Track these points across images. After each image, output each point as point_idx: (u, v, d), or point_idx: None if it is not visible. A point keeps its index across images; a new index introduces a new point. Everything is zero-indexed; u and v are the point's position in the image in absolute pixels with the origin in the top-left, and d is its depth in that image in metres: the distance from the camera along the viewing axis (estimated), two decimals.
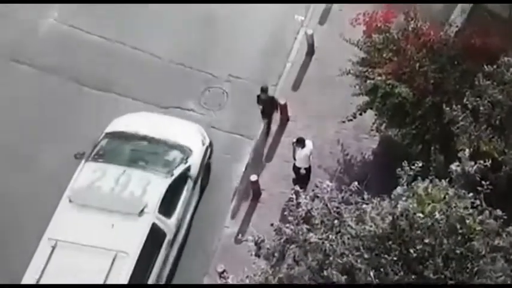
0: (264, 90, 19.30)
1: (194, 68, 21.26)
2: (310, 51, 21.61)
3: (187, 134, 19.21)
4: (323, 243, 13.72)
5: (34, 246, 17.21)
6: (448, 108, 16.27)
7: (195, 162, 18.82)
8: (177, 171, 18.29)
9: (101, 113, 20.11)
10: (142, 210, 17.31)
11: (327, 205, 14.38)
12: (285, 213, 14.57)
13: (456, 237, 12.99)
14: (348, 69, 17.98)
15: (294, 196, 14.59)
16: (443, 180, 13.74)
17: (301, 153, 18.67)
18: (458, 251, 12.90)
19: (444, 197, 13.39)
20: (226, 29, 21.73)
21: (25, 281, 16.71)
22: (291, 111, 20.63)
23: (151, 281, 17.36)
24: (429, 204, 13.26)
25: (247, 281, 13.84)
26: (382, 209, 13.67)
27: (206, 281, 18.61)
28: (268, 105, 19.49)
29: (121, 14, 22.22)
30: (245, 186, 19.79)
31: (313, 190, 14.67)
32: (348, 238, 13.67)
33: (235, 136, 20.53)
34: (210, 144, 19.58)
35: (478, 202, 13.40)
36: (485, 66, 16.24)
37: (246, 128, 20.66)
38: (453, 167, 13.96)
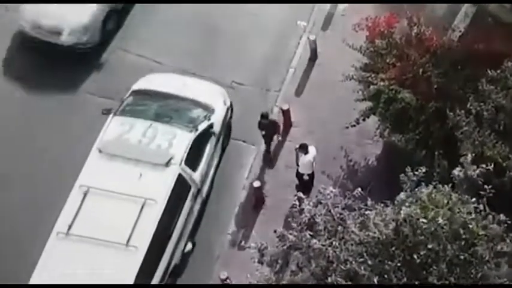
0: (264, 116, 19.23)
1: (197, 74, 21.25)
2: (313, 56, 21.62)
3: (210, 94, 20.01)
4: (326, 249, 13.74)
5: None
6: (451, 114, 16.26)
7: (217, 120, 19.58)
8: (200, 127, 19.03)
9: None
10: (168, 162, 18.03)
11: (330, 211, 14.41)
12: (288, 219, 14.60)
13: (460, 242, 12.98)
14: (351, 75, 17.97)
15: (297, 202, 14.61)
16: (446, 186, 13.74)
17: (305, 159, 18.65)
18: (462, 257, 12.90)
19: (447, 202, 13.39)
20: (229, 36, 21.75)
21: (58, 227, 17.33)
22: (293, 116, 20.63)
23: (177, 231, 18.04)
24: (432, 209, 13.24)
25: None
26: (386, 215, 13.69)
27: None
28: (269, 129, 19.43)
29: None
30: (248, 193, 19.78)
31: (316, 196, 14.70)
32: (352, 244, 13.68)
33: (238, 142, 20.53)
34: (231, 105, 20.30)
35: (481, 207, 13.40)
36: (489, 71, 16.22)
37: (248, 134, 20.62)
38: (455, 172, 13.99)
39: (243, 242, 18.32)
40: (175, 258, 18.27)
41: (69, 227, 17.26)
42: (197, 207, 18.90)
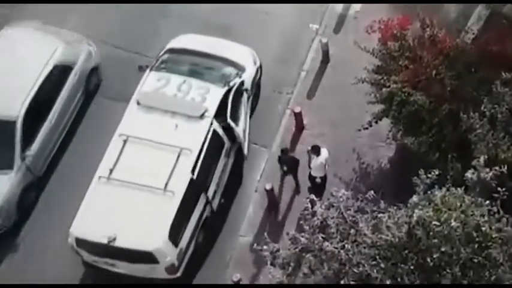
0: (284, 151, 19.21)
1: None
2: (325, 59, 21.59)
3: (241, 54, 20.76)
4: (339, 252, 13.72)
5: None
6: (465, 116, 16.20)
7: (247, 78, 20.25)
8: (232, 83, 19.70)
9: None
10: (203, 114, 18.78)
11: (342, 214, 14.40)
12: (301, 222, 14.56)
13: (473, 245, 12.95)
14: (363, 77, 17.94)
15: (309, 205, 14.58)
16: (459, 188, 13.69)
17: (317, 161, 18.63)
18: (475, 260, 12.87)
19: (461, 205, 13.35)
20: (241, 38, 21.70)
21: (100, 172, 18.20)
22: (306, 119, 20.60)
23: (213, 184, 18.93)
24: (445, 212, 13.21)
25: None
26: (399, 217, 13.67)
27: None
28: (290, 165, 19.39)
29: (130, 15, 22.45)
30: (260, 195, 19.77)
31: (328, 199, 14.69)
32: (364, 247, 13.67)
33: (250, 145, 20.51)
34: (260, 66, 20.87)
35: (495, 209, 13.33)
36: (503, 73, 16.15)
37: (261, 137, 20.62)
38: (469, 174, 13.95)
39: (255, 245, 18.24)
40: (207, 211, 18.86)
41: (111, 172, 18.02)
42: (230, 164, 19.64)
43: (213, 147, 18.93)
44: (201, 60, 20.20)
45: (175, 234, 17.76)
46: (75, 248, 18.01)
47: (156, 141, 18.36)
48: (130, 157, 18.29)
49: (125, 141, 18.47)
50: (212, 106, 19.07)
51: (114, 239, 17.38)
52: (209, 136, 18.73)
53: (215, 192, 19.08)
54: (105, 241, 17.41)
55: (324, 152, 18.73)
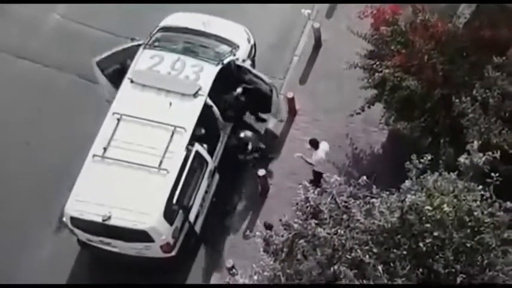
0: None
1: None
2: (317, 44, 21.55)
3: (234, 32, 20.74)
4: (332, 238, 13.69)
5: None
6: (457, 101, 16.19)
7: (242, 56, 20.19)
8: (226, 61, 19.62)
9: None
10: (196, 92, 18.83)
11: (335, 200, 14.37)
12: (294, 208, 14.53)
13: (466, 230, 12.95)
14: (356, 62, 17.90)
15: (302, 191, 14.56)
16: (452, 173, 13.69)
17: (317, 155, 18.44)
18: (468, 244, 12.86)
19: (453, 190, 13.34)
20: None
21: (94, 150, 18.28)
22: (298, 104, 20.58)
23: (214, 156, 19.15)
24: (438, 197, 13.20)
25: (255, 278, 13.81)
26: (391, 202, 13.64)
27: (215, 276, 18.61)
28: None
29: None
30: (253, 181, 19.74)
31: (321, 185, 14.63)
32: (357, 232, 13.65)
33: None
34: (255, 44, 20.79)
35: (487, 194, 13.33)
36: (495, 58, 16.13)
37: (254, 122, 20.64)
38: (461, 159, 13.92)
39: (248, 231, 18.31)
40: (212, 191, 19.17)
41: (105, 150, 18.09)
42: (224, 141, 19.65)
43: (208, 125, 18.94)
44: (195, 38, 20.18)
45: (170, 212, 17.82)
46: (69, 227, 18.04)
47: (150, 119, 18.45)
48: (125, 135, 18.37)
49: (118, 120, 18.52)
50: (206, 84, 19.07)
51: (109, 218, 17.48)
52: (203, 113, 18.71)
53: (212, 171, 19.02)
54: (99, 220, 17.51)
55: (324, 146, 18.55)
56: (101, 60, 19.72)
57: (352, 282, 12.80)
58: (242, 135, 19.53)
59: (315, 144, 18.47)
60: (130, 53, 19.83)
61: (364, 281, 12.71)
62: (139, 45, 19.85)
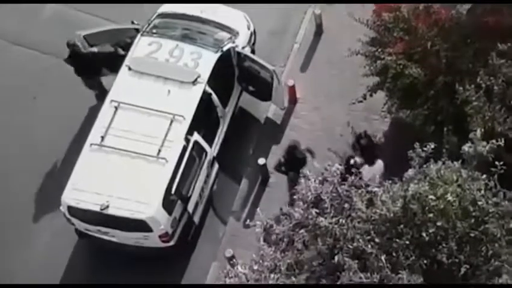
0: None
1: None
2: (319, 31, 21.39)
3: (234, 18, 20.55)
4: (333, 227, 13.61)
5: None
6: (461, 88, 16.06)
7: (241, 43, 20.00)
8: (225, 48, 19.42)
9: None
10: (195, 80, 18.67)
11: (336, 188, 14.25)
12: (294, 197, 14.43)
13: (470, 220, 12.83)
14: (358, 50, 17.73)
15: (303, 180, 14.46)
16: (455, 162, 13.57)
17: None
18: (472, 234, 12.76)
19: (457, 179, 13.22)
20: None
21: (91, 139, 18.15)
22: (299, 92, 20.45)
23: (214, 145, 19.07)
24: (441, 186, 13.09)
25: (255, 267, 13.71)
26: (393, 192, 13.52)
27: (215, 266, 18.53)
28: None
29: None
30: (253, 170, 19.63)
31: (322, 173, 14.53)
32: (359, 222, 13.56)
33: (242, 118, 20.34)
34: (254, 31, 20.65)
35: (492, 184, 13.21)
36: (499, 44, 15.99)
37: (253, 109, 20.52)
38: (465, 148, 13.79)
39: (248, 220, 18.20)
40: (211, 180, 19.07)
41: (102, 139, 17.96)
42: (224, 130, 19.58)
43: (207, 114, 18.84)
44: (193, 24, 19.96)
45: (169, 202, 17.71)
46: (67, 216, 17.94)
47: (148, 107, 18.28)
48: (122, 124, 18.20)
49: (116, 108, 18.34)
50: (205, 71, 18.91)
51: (107, 207, 17.37)
52: (202, 101, 18.58)
53: (211, 160, 18.91)
54: (97, 209, 17.40)
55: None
56: (89, 35, 19.57)
57: (354, 273, 12.67)
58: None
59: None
60: (124, 35, 19.72)
61: (367, 273, 12.57)
62: (137, 29, 19.68)
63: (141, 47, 19.37)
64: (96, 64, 19.89)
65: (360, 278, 12.66)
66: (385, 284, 12.54)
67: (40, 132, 20.43)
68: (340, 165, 14.78)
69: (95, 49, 19.67)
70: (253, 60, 19.55)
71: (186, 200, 18.22)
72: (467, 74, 16.53)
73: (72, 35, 20.00)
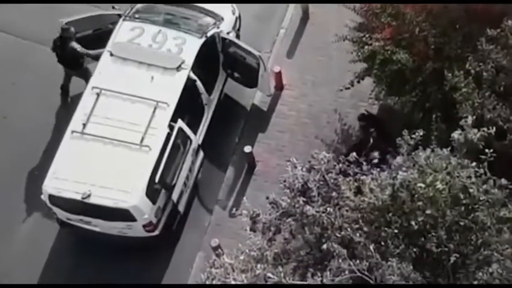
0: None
1: None
2: (305, 16, 21.34)
3: (218, 3, 20.38)
4: (320, 216, 13.61)
5: None
6: (449, 74, 16.05)
7: (226, 28, 19.89)
8: (209, 34, 19.33)
9: None
10: (179, 66, 18.53)
11: (324, 177, 14.24)
12: (281, 185, 14.42)
13: (459, 208, 12.85)
14: (345, 35, 17.70)
15: (290, 168, 14.44)
16: (445, 149, 13.59)
17: None
18: (462, 223, 12.77)
19: (446, 167, 13.24)
20: None
21: (72, 126, 17.98)
22: (285, 79, 20.41)
23: (198, 133, 19.04)
24: (430, 174, 13.10)
25: (242, 257, 13.69)
26: (382, 180, 13.53)
27: (200, 256, 18.50)
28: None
29: None
30: (238, 158, 19.60)
31: (309, 161, 14.52)
32: (347, 211, 13.58)
33: (227, 104, 20.28)
34: (239, 16, 20.57)
35: (481, 171, 13.22)
36: (488, 30, 15.97)
37: (239, 96, 20.47)
38: (455, 135, 13.80)
39: (234, 209, 18.16)
40: (196, 168, 18.99)
41: (84, 126, 17.84)
42: (209, 118, 19.49)
43: (191, 101, 18.75)
44: (176, 9, 19.83)
45: (153, 191, 17.66)
46: (48, 205, 17.85)
47: (130, 94, 18.16)
48: (104, 111, 18.06)
49: (98, 95, 18.20)
50: (189, 57, 18.80)
51: (89, 196, 17.27)
52: (186, 87, 18.47)
53: (195, 149, 18.86)
54: (79, 198, 17.30)
55: None
56: (70, 22, 19.44)
57: (343, 260, 12.67)
58: None
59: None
60: (107, 21, 19.60)
61: (356, 261, 12.58)
62: (119, 15, 19.56)
63: (123, 32, 19.22)
64: (77, 60, 19.77)
65: (349, 265, 12.64)
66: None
67: (20, 120, 20.30)
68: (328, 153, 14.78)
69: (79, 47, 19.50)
70: (238, 46, 19.48)
71: (170, 189, 18.15)
72: (456, 60, 16.52)
73: (55, 21, 19.92)
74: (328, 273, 12.64)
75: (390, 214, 13.09)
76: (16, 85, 20.87)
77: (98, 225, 18.05)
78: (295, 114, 20.05)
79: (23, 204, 19.39)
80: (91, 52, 19.47)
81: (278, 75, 20.26)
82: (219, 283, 13.43)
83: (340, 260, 12.66)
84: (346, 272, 12.55)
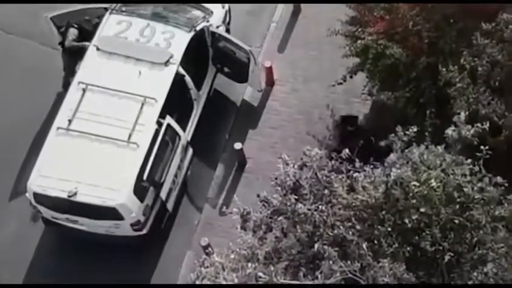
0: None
1: None
2: (296, 10, 21.36)
3: None
4: (312, 214, 13.61)
5: None
6: (444, 69, 16.05)
7: (216, 22, 19.89)
8: (198, 28, 19.29)
9: None
10: (168, 61, 18.50)
11: (316, 174, 14.24)
12: (272, 183, 14.42)
13: (454, 206, 12.86)
14: (337, 29, 17.68)
15: (281, 165, 14.44)
16: (439, 146, 13.60)
17: None
18: (456, 221, 12.78)
19: (440, 164, 13.24)
20: None
21: (57, 123, 17.95)
22: (276, 74, 20.42)
23: (187, 129, 19.01)
24: (424, 171, 13.11)
25: (232, 256, 13.68)
26: (375, 177, 13.53)
27: (189, 255, 18.50)
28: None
29: None
30: (229, 155, 19.60)
31: (301, 158, 14.51)
32: (339, 208, 13.56)
33: (217, 100, 20.27)
34: (229, 10, 20.66)
35: (477, 168, 13.25)
36: (483, 24, 15.99)
37: (229, 91, 20.47)
38: (449, 131, 13.81)
39: (224, 208, 18.21)
40: (185, 166, 18.98)
41: (70, 122, 17.80)
42: (199, 114, 19.48)
43: (180, 94, 18.71)
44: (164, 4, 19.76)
45: (140, 189, 17.62)
46: (33, 204, 17.78)
47: (117, 89, 18.14)
48: (91, 107, 18.02)
49: (84, 90, 18.13)
50: (178, 52, 18.75)
51: (75, 194, 17.23)
52: (175, 83, 18.42)
53: (184, 145, 18.82)
54: (64, 196, 17.24)
55: None
56: (56, 16, 19.40)
57: (334, 262, 12.67)
58: None
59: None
60: (93, 14, 19.56)
61: (348, 262, 12.59)
62: (106, 8, 19.49)
63: (110, 25, 19.15)
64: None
65: (340, 266, 12.64)
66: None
67: (4, 117, 20.23)
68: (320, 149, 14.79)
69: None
70: (228, 40, 19.46)
71: (158, 187, 18.12)
72: (451, 55, 16.53)
73: (39, 14, 19.87)
74: (319, 275, 12.62)
75: (383, 212, 13.09)
76: (1, 80, 20.81)
77: (85, 224, 18.01)
78: (287, 110, 20.07)
79: (7, 203, 19.33)
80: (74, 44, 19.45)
81: (269, 70, 20.26)
82: (209, 283, 13.40)
83: (331, 262, 12.64)
84: (338, 274, 12.52)
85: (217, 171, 19.57)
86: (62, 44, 19.71)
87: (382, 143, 14.54)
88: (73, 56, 19.65)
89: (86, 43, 19.27)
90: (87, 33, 19.49)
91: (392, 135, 14.01)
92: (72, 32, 19.56)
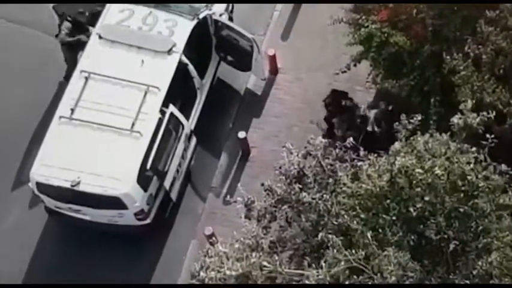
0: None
1: None
2: None
3: None
4: (317, 203, 13.66)
5: None
6: (448, 57, 16.08)
7: (218, 10, 19.81)
8: (201, 16, 19.23)
9: None
10: (170, 49, 18.50)
11: (320, 163, 14.30)
12: (276, 172, 14.49)
13: (459, 194, 12.87)
14: (341, 17, 17.69)
15: (285, 154, 14.50)
16: (444, 134, 13.64)
17: None
18: (461, 209, 12.78)
19: (445, 152, 13.26)
20: None
21: (60, 112, 17.94)
22: (280, 62, 20.43)
23: (191, 118, 19.00)
24: (429, 159, 13.14)
25: (236, 245, 13.76)
26: (379, 165, 13.54)
27: (194, 244, 18.57)
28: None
29: None
30: (233, 144, 19.65)
31: (305, 147, 14.58)
32: (343, 197, 13.59)
33: (221, 89, 20.31)
34: None
35: (481, 157, 13.28)
36: (488, 12, 16.01)
37: (232, 80, 20.49)
38: (455, 119, 13.83)
39: (228, 197, 18.23)
40: (189, 155, 18.97)
41: (72, 111, 17.79)
42: (202, 102, 19.47)
43: (184, 83, 18.73)
44: None
45: (144, 178, 17.67)
46: (36, 193, 17.85)
47: (120, 78, 18.13)
48: (94, 95, 18.04)
49: (86, 79, 18.15)
50: (181, 40, 18.73)
51: (78, 183, 17.27)
52: (178, 71, 18.42)
53: (188, 134, 18.86)
54: (67, 185, 17.30)
55: None
56: (57, 5, 19.44)
57: (339, 250, 12.73)
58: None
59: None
60: (85, 7, 19.62)
61: (352, 250, 12.65)
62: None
63: (112, 14, 19.13)
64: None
65: (345, 255, 12.70)
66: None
67: (6, 106, 20.29)
68: (324, 137, 14.84)
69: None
70: (231, 29, 19.47)
71: (162, 176, 18.19)
72: (455, 43, 16.54)
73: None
74: (324, 264, 12.67)
75: (388, 201, 13.10)
76: (0, 68, 20.84)
77: (88, 214, 18.09)
78: (290, 99, 20.10)
79: (10, 192, 19.39)
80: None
81: (272, 59, 20.28)
82: (213, 273, 13.44)
83: (335, 251, 12.70)
84: (342, 263, 12.58)
85: (221, 160, 19.61)
86: (57, 36, 19.74)
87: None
88: (71, 49, 19.71)
89: (82, 36, 19.31)
90: (81, 26, 19.53)
91: (397, 123, 14.05)
92: (66, 26, 19.57)
